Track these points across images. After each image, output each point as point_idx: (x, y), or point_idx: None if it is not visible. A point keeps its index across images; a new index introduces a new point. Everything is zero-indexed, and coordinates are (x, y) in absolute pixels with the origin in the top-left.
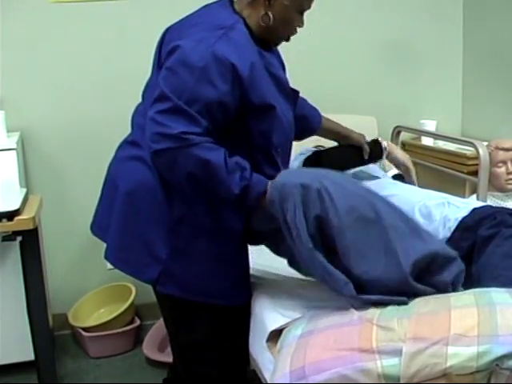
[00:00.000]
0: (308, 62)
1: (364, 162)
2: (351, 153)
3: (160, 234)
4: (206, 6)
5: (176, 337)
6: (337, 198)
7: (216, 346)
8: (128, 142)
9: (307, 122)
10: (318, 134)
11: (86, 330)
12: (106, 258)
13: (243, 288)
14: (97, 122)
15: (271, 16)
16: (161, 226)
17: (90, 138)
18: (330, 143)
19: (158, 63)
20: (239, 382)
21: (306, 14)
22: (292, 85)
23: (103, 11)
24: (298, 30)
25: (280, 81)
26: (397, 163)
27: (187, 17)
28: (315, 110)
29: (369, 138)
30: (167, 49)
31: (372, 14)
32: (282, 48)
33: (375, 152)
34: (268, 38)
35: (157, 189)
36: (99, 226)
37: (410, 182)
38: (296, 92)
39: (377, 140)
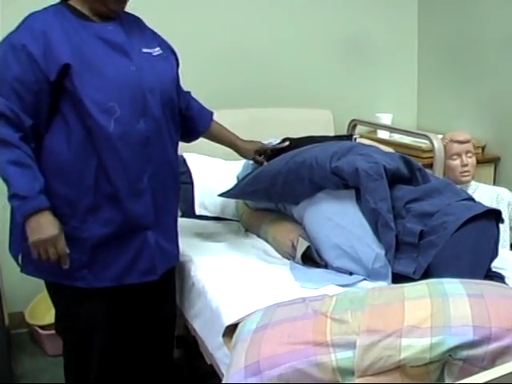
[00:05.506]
0: (265, 57)
1: None
2: None
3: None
4: None
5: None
6: None
7: (71, 328)
8: None
9: (193, 123)
10: (207, 138)
11: (43, 327)
12: None
13: (109, 273)
14: None
15: None
16: None
17: None
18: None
19: None
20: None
21: (266, 8)
22: (249, 79)
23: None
24: (257, 25)
25: (114, 43)
26: None
27: None
28: (207, 113)
29: (327, 133)
30: None
31: (329, 9)
32: (240, 43)
33: None
34: (97, 10)
35: None
36: None
37: None
38: (187, 92)
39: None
